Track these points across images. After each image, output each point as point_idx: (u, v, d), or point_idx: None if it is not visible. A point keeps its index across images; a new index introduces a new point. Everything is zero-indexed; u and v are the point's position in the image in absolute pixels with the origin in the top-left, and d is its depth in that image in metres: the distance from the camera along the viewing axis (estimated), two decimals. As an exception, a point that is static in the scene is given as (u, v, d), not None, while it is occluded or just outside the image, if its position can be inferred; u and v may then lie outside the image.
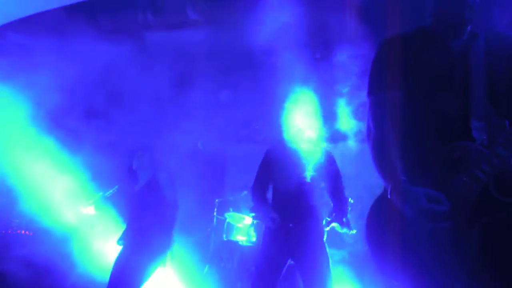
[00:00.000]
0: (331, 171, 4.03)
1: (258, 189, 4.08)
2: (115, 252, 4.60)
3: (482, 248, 1.83)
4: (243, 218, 6.10)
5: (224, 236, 6.25)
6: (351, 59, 4.55)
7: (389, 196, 1.91)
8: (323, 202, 4.01)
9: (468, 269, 1.82)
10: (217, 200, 6.66)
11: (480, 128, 1.95)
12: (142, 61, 6.57)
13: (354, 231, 3.98)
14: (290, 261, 3.84)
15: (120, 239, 4.62)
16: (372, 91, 2.14)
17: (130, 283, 4.27)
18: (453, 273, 1.82)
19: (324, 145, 4.21)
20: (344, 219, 3.91)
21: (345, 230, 3.92)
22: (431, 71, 2.04)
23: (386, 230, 1.99)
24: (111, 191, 5.64)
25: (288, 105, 4.10)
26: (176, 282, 5.75)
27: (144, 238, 4.47)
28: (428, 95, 2.02)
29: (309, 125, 4.12)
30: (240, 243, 5.82)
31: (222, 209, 6.50)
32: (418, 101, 2.03)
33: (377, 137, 2.05)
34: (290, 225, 3.82)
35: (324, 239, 3.92)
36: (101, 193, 5.59)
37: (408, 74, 2.05)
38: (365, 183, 4.45)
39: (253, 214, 5.66)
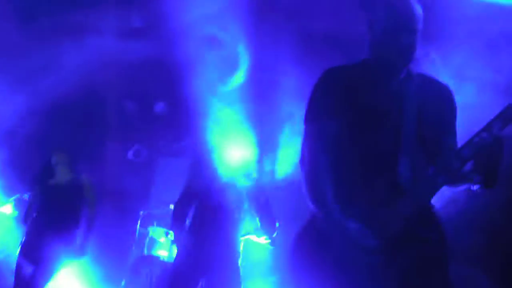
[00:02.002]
0: (259, 196, 4.06)
1: (180, 206, 4.06)
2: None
3: (400, 282, 1.90)
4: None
5: (146, 250, 6.10)
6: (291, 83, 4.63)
7: (318, 225, 1.94)
8: (242, 223, 4.03)
9: None
10: (141, 213, 6.50)
11: (407, 166, 2.01)
12: (79, 62, 6.38)
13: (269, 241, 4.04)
14: (203, 281, 3.83)
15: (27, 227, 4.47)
16: (309, 119, 2.16)
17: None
18: None
19: (254, 171, 4.23)
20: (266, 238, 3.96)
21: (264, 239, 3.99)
22: (367, 106, 2.09)
23: (312, 257, 2.00)
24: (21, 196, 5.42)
25: (221, 123, 4.11)
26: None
27: (50, 236, 4.35)
28: (361, 128, 2.07)
29: (241, 146, 4.15)
30: (161, 258, 5.69)
31: (146, 222, 6.35)
32: (352, 134, 2.07)
33: (311, 164, 2.08)
34: (205, 243, 3.82)
35: (239, 261, 3.95)
36: (19, 194, 5.34)
37: (345, 106, 2.09)
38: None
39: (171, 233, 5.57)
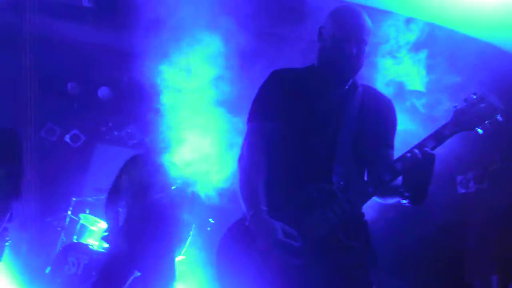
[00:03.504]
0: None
1: (113, 198, 3.98)
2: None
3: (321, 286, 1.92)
4: (99, 222, 5.83)
5: (75, 237, 5.91)
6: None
7: (247, 223, 1.94)
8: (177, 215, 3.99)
9: None
10: (74, 199, 6.29)
11: (340, 174, 2.06)
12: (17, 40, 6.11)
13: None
14: (136, 273, 3.75)
15: None
16: (252, 119, 2.19)
17: None
18: None
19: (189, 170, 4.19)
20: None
21: None
22: (309, 111, 2.13)
23: (238, 256, 2.01)
24: None
25: (167, 115, 4.04)
26: (10, 280, 5.31)
27: None
28: (301, 133, 2.11)
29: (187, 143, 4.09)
30: (91, 247, 5.53)
31: (78, 209, 6.15)
32: (291, 137, 2.11)
33: (247, 163, 2.10)
34: (141, 236, 3.74)
35: (176, 254, 3.90)
36: None
37: (288, 109, 2.13)
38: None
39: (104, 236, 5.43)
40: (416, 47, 3.81)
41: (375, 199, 2.18)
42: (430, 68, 3.89)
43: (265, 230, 1.86)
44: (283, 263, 1.86)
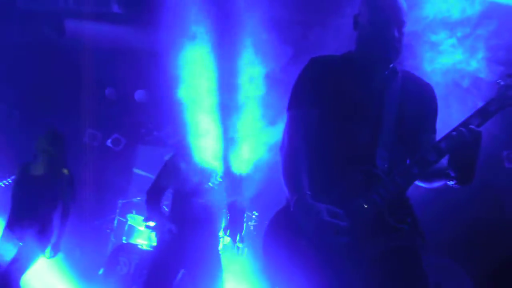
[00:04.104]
0: (231, 195, 4.02)
1: (153, 194, 4.02)
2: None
3: (367, 276, 1.91)
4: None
5: (124, 238, 6.06)
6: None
7: (292, 209, 1.94)
8: (221, 213, 4.00)
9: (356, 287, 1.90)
10: (120, 201, 6.45)
11: (384, 157, 2.05)
12: (56, 48, 6.28)
13: (241, 245, 4.01)
14: (183, 271, 3.81)
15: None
16: (292, 106, 2.20)
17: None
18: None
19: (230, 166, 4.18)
20: (238, 236, 3.90)
21: (237, 244, 3.95)
22: (349, 97, 2.12)
23: (284, 242, 2.02)
24: (7, 180, 5.30)
25: (201, 112, 4.07)
26: (67, 283, 5.49)
27: (29, 225, 4.29)
28: (342, 119, 2.10)
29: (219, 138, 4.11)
30: (140, 246, 5.66)
31: (125, 211, 6.30)
32: (333, 123, 2.11)
33: (289, 150, 2.10)
34: (186, 234, 3.77)
35: (220, 249, 3.93)
36: None
37: (328, 96, 2.13)
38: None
39: (147, 224, 5.50)
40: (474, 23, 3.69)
41: (420, 184, 2.15)
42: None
43: (310, 213, 1.85)
44: (330, 245, 1.85)
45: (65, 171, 4.64)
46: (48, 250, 4.43)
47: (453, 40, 3.78)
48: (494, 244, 5.20)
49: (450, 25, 3.75)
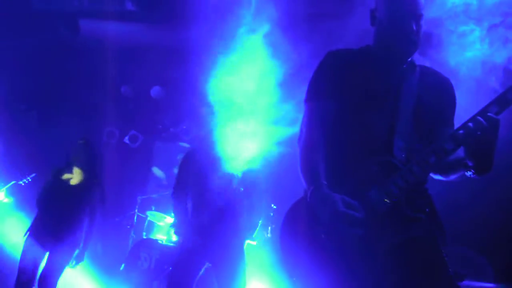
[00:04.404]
0: (249, 189, 4.03)
1: (179, 193, 4.05)
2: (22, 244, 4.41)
3: (384, 267, 1.91)
4: (165, 217, 6.01)
5: (144, 234, 6.13)
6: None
7: (308, 200, 1.96)
8: (243, 208, 4.02)
9: (373, 277, 1.91)
10: (139, 197, 6.52)
11: (401, 148, 2.05)
12: (72, 48, 6.34)
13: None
14: (207, 264, 3.84)
15: (28, 231, 4.43)
16: (309, 99, 2.22)
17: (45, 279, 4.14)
18: (360, 278, 1.90)
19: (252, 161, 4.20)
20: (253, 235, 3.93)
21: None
22: (367, 90, 2.13)
23: (301, 233, 2.04)
24: (27, 179, 5.38)
25: (219, 108, 4.08)
26: (89, 279, 5.57)
27: (60, 233, 4.32)
28: (359, 111, 2.11)
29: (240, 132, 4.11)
30: (160, 242, 5.72)
31: (144, 207, 6.38)
32: (350, 115, 2.12)
33: (306, 141, 2.12)
34: (210, 229, 3.80)
35: (244, 245, 3.95)
36: (14, 181, 5.31)
37: (345, 88, 2.14)
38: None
39: (174, 229, 5.56)
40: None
41: (438, 177, 2.15)
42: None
43: (325, 203, 1.86)
44: (346, 235, 1.87)
45: (97, 182, 4.68)
46: (73, 259, 4.45)
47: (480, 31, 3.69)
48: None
49: (477, 14, 3.67)
